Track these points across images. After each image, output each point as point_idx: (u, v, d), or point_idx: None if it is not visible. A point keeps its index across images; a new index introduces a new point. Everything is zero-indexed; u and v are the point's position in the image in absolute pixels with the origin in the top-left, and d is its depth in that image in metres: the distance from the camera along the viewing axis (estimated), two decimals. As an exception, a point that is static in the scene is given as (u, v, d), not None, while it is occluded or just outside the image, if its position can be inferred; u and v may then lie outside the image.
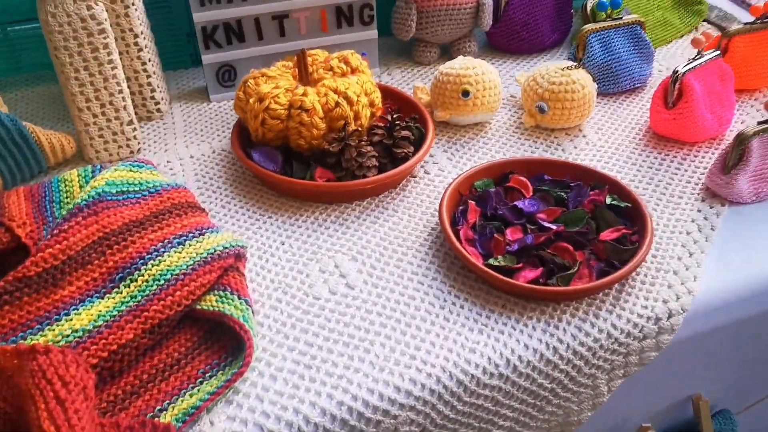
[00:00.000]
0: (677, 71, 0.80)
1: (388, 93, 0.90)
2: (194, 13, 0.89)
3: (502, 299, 0.65)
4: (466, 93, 0.85)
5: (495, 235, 0.69)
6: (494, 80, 0.86)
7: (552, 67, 0.86)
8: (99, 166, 0.71)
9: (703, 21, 1.13)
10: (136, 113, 0.91)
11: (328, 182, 0.76)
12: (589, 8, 1.04)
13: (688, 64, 0.82)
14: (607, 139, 0.87)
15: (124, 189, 0.68)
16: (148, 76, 0.89)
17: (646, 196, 0.77)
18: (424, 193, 0.79)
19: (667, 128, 0.83)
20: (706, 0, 1.13)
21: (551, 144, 0.86)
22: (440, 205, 0.71)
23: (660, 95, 0.83)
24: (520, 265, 0.66)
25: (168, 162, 0.85)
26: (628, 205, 0.71)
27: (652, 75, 0.97)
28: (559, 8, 1.08)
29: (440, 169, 0.83)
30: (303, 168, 0.78)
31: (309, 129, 0.76)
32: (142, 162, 0.73)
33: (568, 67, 0.85)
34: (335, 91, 0.78)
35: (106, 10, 0.80)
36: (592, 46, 0.93)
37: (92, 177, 0.68)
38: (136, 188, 0.69)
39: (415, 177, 0.82)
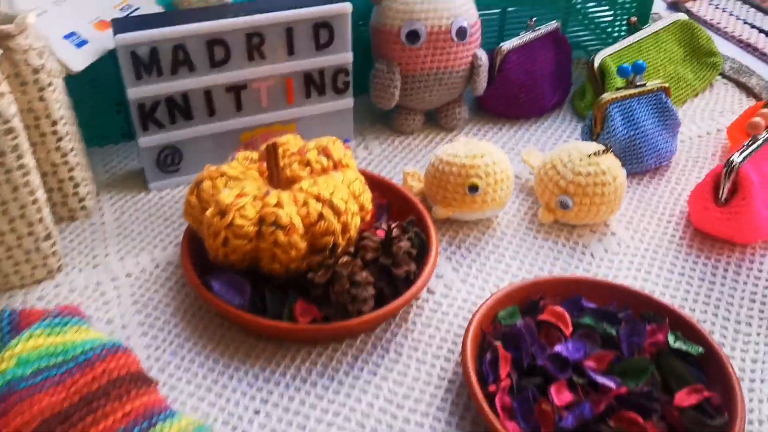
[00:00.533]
0: (733, 162, 0.67)
1: (372, 183, 0.73)
2: (130, 88, 0.70)
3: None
4: (474, 188, 0.69)
5: (539, 401, 0.53)
6: (506, 170, 0.70)
7: (575, 153, 0.71)
8: (7, 312, 0.53)
9: (719, 75, 1.00)
10: (55, 213, 0.71)
11: (314, 324, 0.58)
12: (596, 64, 0.90)
13: (743, 151, 0.68)
14: (641, 237, 0.72)
15: (43, 365, 0.50)
16: (70, 170, 0.70)
17: (706, 324, 0.63)
18: (432, 323, 0.63)
19: (717, 227, 0.69)
20: (719, 52, 1.00)
21: (575, 246, 0.71)
22: (463, 359, 0.54)
23: (707, 189, 0.69)
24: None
25: (97, 285, 0.65)
26: (700, 350, 0.56)
27: (677, 149, 0.83)
28: (558, 65, 0.94)
29: (446, 286, 0.66)
30: (279, 299, 0.60)
31: (286, 250, 0.58)
32: (67, 314, 0.54)
33: (596, 153, 0.70)
34: (317, 199, 0.60)
35: (16, 99, 0.61)
36: (612, 119, 0.78)
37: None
38: (59, 360, 0.50)
39: (417, 299, 0.65)
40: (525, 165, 0.81)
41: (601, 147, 0.71)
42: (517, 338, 0.58)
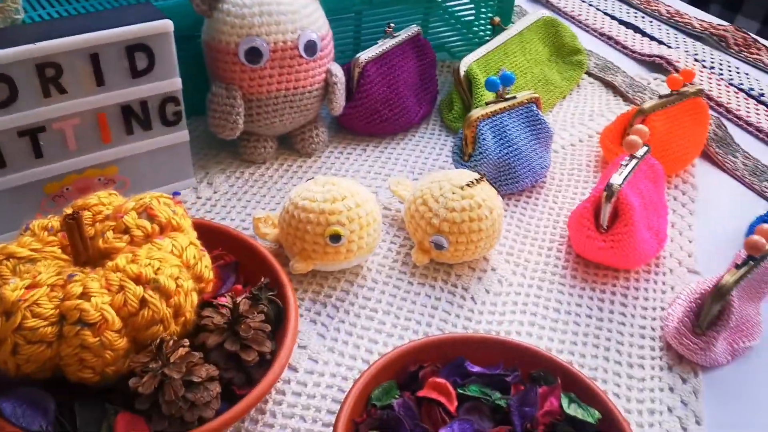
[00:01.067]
0: (612, 186, 0.61)
1: (215, 236, 0.61)
2: None
3: None
4: (336, 237, 0.59)
5: None
6: (373, 212, 0.61)
7: (447, 185, 0.62)
8: None
9: (585, 74, 0.96)
10: None
11: None
12: (463, 72, 0.82)
13: (621, 172, 0.62)
14: (523, 272, 0.65)
15: None
16: None
17: (597, 372, 0.57)
18: (296, 413, 0.52)
19: (600, 255, 0.64)
20: (584, 49, 0.96)
21: (454, 288, 0.63)
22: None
23: (587, 215, 0.63)
24: None
25: None
26: (597, 415, 0.49)
27: (550, 163, 0.78)
28: (422, 73, 0.85)
29: (311, 359, 0.56)
30: (93, 416, 0.47)
31: (98, 353, 0.46)
32: None
33: (469, 184, 0.62)
34: (137, 280, 0.48)
35: None
36: (484, 138, 0.71)
37: None
38: None
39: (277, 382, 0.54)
40: (394, 195, 0.72)
41: (474, 176, 0.63)
42: (396, 424, 0.49)
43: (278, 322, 0.54)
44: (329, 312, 0.60)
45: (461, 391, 0.51)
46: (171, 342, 0.48)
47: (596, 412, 0.49)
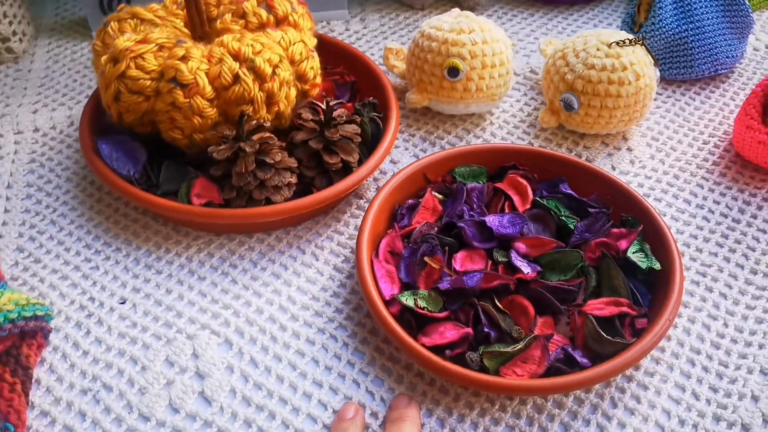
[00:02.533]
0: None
1: (339, 54, 0.60)
2: None
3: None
4: (454, 71, 0.54)
5: (435, 257, 0.44)
6: (501, 54, 0.55)
7: (594, 39, 0.55)
8: None
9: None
10: (-26, 52, 0.62)
11: (208, 207, 0.47)
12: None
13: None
14: (663, 158, 0.56)
15: None
16: (-14, 0, 0.60)
17: (705, 262, 0.48)
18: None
19: (761, 154, 0.52)
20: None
21: (578, 157, 0.56)
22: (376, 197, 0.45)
23: (755, 103, 0.52)
24: (444, 313, 0.41)
25: (-2, 136, 0.57)
26: (655, 268, 0.43)
27: (744, 57, 0.65)
28: (617, -59, 0.75)
29: (400, 187, 0.54)
30: (177, 174, 0.50)
31: (187, 116, 0.47)
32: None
33: (619, 43, 0.54)
34: (236, 56, 0.48)
35: None
36: (662, 8, 0.60)
37: None
38: None
39: (361, 199, 0.53)
40: (543, 58, 0.65)
41: (630, 37, 0.54)
42: (457, 196, 0.48)
43: (375, 143, 0.52)
44: (436, 151, 0.56)
45: (539, 200, 0.47)
46: (254, 121, 0.47)
47: (657, 263, 0.44)
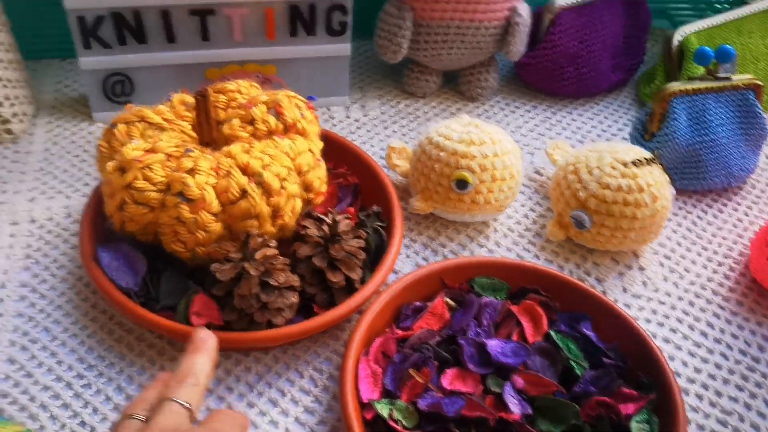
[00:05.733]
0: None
1: (342, 154, 0.58)
2: (64, -6, 0.57)
3: None
4: (463, 184, 0.53)
5: (423, 369, 0.43)
6: (511, 167, 0.54)
7: (608, 156, 0.53)
8: None
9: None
10: (-27, 133, 0.61)
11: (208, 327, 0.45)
12: (676, 42, 0.70)
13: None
14: (677, 280, 0.54)
15: None
16: (-13, 85, 0.58)
17: (725, 408, 0.46)
18: (367, 351, 0.48)
19: (780, 287, 0.51)
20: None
21: (586, 276, 0.54)
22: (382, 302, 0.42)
23: (777, 233, 0.50)
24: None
25: (-9, 227, 0.55)
26: None
27: (756, 167, 0.64)
28: (628, 36, 0.74)
29: (403, 303, 0.52)
30: (177, 288, 0.48)
31: (192, 230, 0.45)
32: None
33: (635, 162, 0.52)
34: (244, 170, 0.46)
35: None
36: (676, 117, 0.59)
37: None
38: None
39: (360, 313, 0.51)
40: (549, 160, 0.64)
41: (646, 155, 0.53)
42: (468, 309, 0.47)
43: (378, 254, 0.51)
44: (438, 261, 0.55)
45: (553, 334, 0.46)
46: (260, 239, 0.46)
47: None
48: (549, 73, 0.71)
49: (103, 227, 0.50)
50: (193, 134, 0.51)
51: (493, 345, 0.44)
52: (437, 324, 0.47)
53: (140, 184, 0.46)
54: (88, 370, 0.46)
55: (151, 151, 0.47)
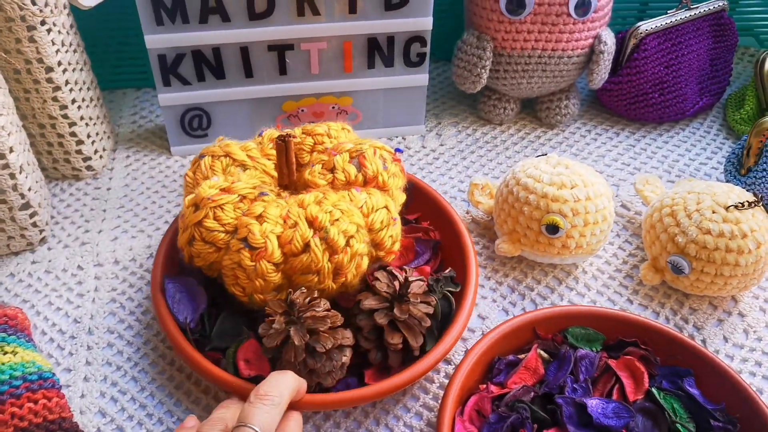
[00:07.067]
0: None
1: (422, 202, 0.56)
2: (147, 35, 0.57)
3: None
4: (554, 228, 0.51)
5: (520, 431, 0.42)
6: (605, 210, 0.52)
7: (708, 199, 0.51)
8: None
9: None
10: (56, 170, 0.62)
11: (250, 381, 0.44)
12: (767, 67, 0.67)
13: None
14: (781, 329, 0.52)
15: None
16: (71, 124, 0.59)
17: None
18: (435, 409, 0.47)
19: None
20: None
21: (684, 324, 0.52)
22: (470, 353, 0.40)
23: None
24: None
25: (78, 269, 0.55)
26: None
27: None
28: (714, 59, 0.71)
29: (492, 352, 0.50)
30: (232, 330, 0.47)
31: (251, 277, 0.44)
32: (2, 329, 0.44)
33: (737, 206, 0.50)
34: (311, 223, 0.45)
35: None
36: (774, 153, 0.56)
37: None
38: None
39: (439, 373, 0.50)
40: (636, 193, 0.61)
41: (749, 197, 0.50)
42: (564, 364, 0.45)
43: (447, 320, 0.48)
44: (526, 306, 0.53)
45: (655, 392, 0.43)
46: (307, 300, 0.44)
47: None
48: (632, 99, 0.68)
49: (176, 259, 0.50)
50: (275, 174, 0.51)
51: (594, 405, 0.42)
52: (532, 379, 0.45)
53: (210, 223, 0.45)
54: (175, 424, 0.46)
55: (227, 190, 0.46)
